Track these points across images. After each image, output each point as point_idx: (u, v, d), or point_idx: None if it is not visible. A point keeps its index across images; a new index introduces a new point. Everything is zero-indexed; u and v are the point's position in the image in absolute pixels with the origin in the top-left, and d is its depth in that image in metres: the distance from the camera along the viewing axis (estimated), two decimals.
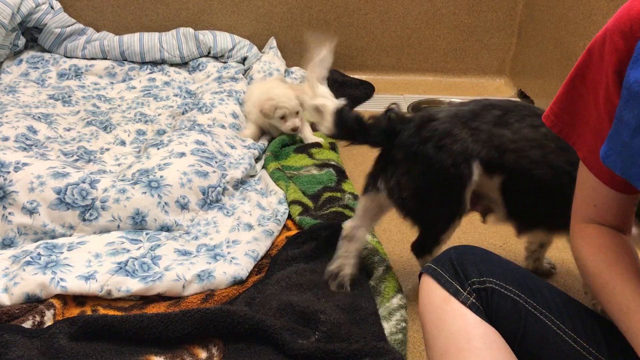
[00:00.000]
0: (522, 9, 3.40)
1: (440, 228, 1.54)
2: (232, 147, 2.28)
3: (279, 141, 2.43)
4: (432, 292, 1.03)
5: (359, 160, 2.54)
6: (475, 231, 2.02)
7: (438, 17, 3.45)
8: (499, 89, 3.51)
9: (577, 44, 2.69)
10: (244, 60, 3.22)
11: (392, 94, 3.37)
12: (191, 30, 3.20)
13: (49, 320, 1.46)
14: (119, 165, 2.19)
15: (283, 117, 2.44)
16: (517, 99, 3.35)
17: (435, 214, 1.52)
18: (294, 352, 1.35)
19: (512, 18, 3.44)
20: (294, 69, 3.28)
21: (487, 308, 0.99)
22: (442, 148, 1.42)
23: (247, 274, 1.68)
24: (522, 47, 3.40)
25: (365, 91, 3.29)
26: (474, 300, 0.99)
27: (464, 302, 0.99)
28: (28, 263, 1.58)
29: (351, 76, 3.41)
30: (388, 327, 1.48)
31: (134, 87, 2.99)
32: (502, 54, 3.55)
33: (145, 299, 1.59)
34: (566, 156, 1.33)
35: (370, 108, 3.17)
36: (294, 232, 1.88)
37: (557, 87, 2.95)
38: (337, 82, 3.22)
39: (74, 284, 1.55)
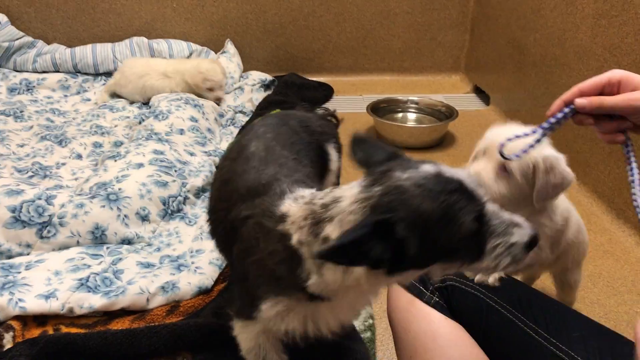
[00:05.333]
0: (473, 6, 3.46)
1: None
2: (192, 154, 2.26)
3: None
4: (398, 296, 1.05)
5: None
6: None
7: (392, 17, 3.49)
8: (455, 86, 3.56)
9: (528, 38, 2.75)
10: None
11: (351, 95, 3.39)
12: (145, 39, 3.16)
13: (8, 343, 1.41)
14: (76, 179, 2.14)
15: (211, 89, 2.80)
16: (473, 95, 3.41)
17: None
18: None
19: (465, 15, 3.50)
20: (251, 72, 3.27)
21: (451, 304, 1.00)
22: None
23: (213, 283, 1.65)
24: (476, 43, 3.47)
25: (325, 93, 3.30)
26: (437, 299, 1.00)
27: (427, 302, 1.00)
28: None
29: (309, 79, 3.41)
30: (356, 325, 1.48)
31: (88, 99, 2.93)
32: (456, 51, 3.61)
33: (108, 314, 1.55)
34: None
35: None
36: None
37: (511, 81, 3.03)
38: (296, 85, 3.22)
39: (34, 304, 1.50)
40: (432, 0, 3.46)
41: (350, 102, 3.29)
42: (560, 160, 1.15)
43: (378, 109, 2.90)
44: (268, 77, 3.25)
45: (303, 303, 0.92)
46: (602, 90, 0.91)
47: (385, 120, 2.78)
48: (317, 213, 0.84)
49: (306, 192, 0.95)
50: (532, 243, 0.80)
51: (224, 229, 1.05)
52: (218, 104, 2.84)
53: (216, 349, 1.41)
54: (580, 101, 0.90)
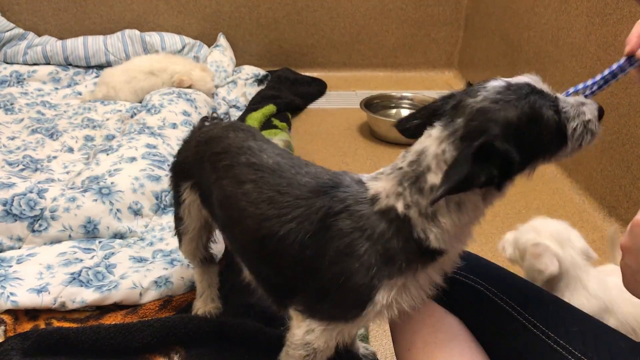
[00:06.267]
0: (467, 3, 3.46)
1: None
2: None
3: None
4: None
5: (315, 158, 2.55)
6: None
7: (386, 13, 3.48)
8: (448, 82, 3.56)
9: (522, 35, 2.75)
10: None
11: (344, 91, 3.38)
12: (137, 32, 3.14)
13: None
14: (67, 173, 2.13)
15: None
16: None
17: None
18: (261, 342, 1.35)
19: (458, 11, 3.50)
20: (244, 67, 3.26)
21: (450, 296, 0.99)
22: None
23: None
24: (469, 39, 3.47)
25: (318, 88, 3.29)
26: (437, 291, 0.99)
27: None
28: None
29: (303, 74, 3.40)
30: None
31: (80, 93, 2.91)
32: (449, 47, 3.61)
33: (101, 309, 1.54)
34: None
35: (323, 105, 3.17)
36: None
37: (504, 77, 3.02)
38: (289, 80, 3.21)
39: (25, 298, 1.49)
40: None
41: (344, 98, 3.28)
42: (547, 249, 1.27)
43: (371, 104, 2.90)
44: (261, 72, 3.23)
45: (419, 271, 0.91)
46: None
47: (379, 116, 2.78)
48: (409, 173, 0.88)
49: (380, 170, 0.96)
50: (601, 113, 0.88)
51: (306, 233, 0.97)
52: None
53: (209, 343, 1.41)
54: None
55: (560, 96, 0.87)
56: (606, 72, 0.93)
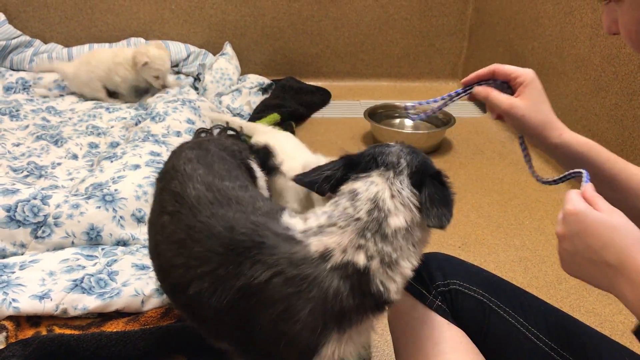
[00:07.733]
0: (472, 14, 3.47)
1: None
2: None
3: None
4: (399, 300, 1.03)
5: None
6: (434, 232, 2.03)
7: (391, 23, 3.49)
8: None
9: (526, 46, 2.76)
10: (198, 74, 3.19)
11: (348, 100, 3.39)
12: (142, 40, 3.15)
13: (0, 344, 1.40)
14: (71, 179, 2.13)
15: (156, 77, 2.82)
16: (470, 102, 3.42)
17: None
18: None
19: (463, 22, 3.51)
20: (248, 76, 3.27)
21: (453, 308, 0.99)
22: None
23: None
24: (473, 50, 3.47)
25: (322, 98, 3.30)
26: (439, 303, 1.00)
27: (429, 306, 1.00)
28: None
29: (307, 83, 3.41)
30: None
31: (85, 99, 2.92)
32: (454, 57, 3.62)
33: (103, 316, 1.54)
34: None
35: (327, 114, 3.17)
36: None
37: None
38: (293, 89, 3.22)
39: (28, 304, 1.49)
40: (431, 7, 3.47)
41: (348, 107, 3.29)
42: None
43: (375, 114, 2.90)
44: (266, 81, 3.24)
45: (364, 322, 0.87)
46: (511, 80, 1.01)
47: (383, 125, 2.78)
48: (371, 222, 0.87)
49: (312, 221, 0.89)
50: None
51: (222, 299, 0.87)
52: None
53: (210, 352, 1.40)
54: (477, 88, 1.04)
55: None
56: (446, 95, 1.10)
